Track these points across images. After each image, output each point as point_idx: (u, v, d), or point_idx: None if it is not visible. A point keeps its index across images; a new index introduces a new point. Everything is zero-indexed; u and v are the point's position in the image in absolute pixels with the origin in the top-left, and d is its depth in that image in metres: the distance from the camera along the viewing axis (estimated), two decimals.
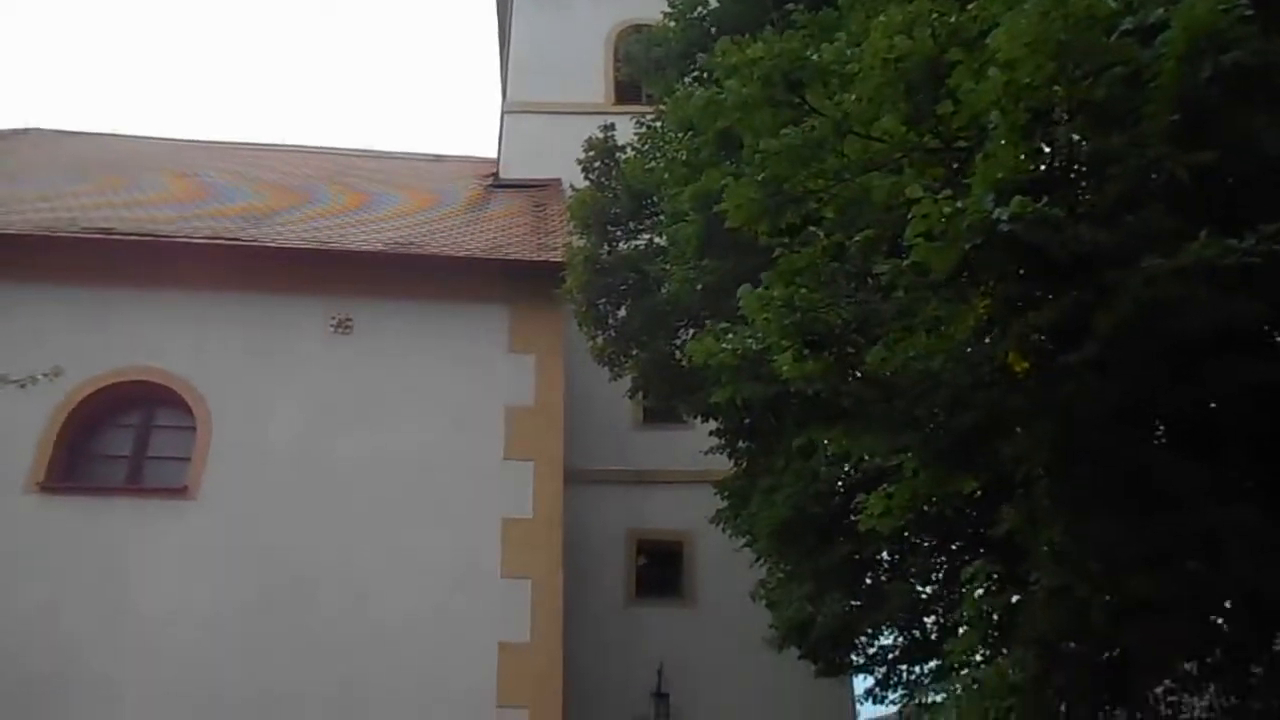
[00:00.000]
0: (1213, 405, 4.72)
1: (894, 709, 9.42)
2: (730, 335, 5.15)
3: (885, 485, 4.96)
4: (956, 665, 5.36)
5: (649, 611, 12.73)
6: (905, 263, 4.07)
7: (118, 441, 10.79)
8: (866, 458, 4.92)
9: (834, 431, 4.64)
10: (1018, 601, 5.08)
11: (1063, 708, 6.61)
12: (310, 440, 10.58)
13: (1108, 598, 4.60)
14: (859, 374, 4.49)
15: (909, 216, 3.86)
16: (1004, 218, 3.59)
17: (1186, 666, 8.78)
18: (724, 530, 9.48)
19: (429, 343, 11.28)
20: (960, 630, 5.80)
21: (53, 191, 13.06)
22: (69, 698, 9.17)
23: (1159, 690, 9.08)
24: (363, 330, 11.19)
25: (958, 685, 5.37)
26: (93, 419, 10.73)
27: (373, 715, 9.46)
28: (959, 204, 3.70)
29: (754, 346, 4.89)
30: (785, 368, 4.57)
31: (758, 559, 9.26)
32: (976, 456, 4.60)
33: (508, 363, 11.31)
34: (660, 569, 13.24)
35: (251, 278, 11.24)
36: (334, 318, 11.15)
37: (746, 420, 8.18)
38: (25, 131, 17.13)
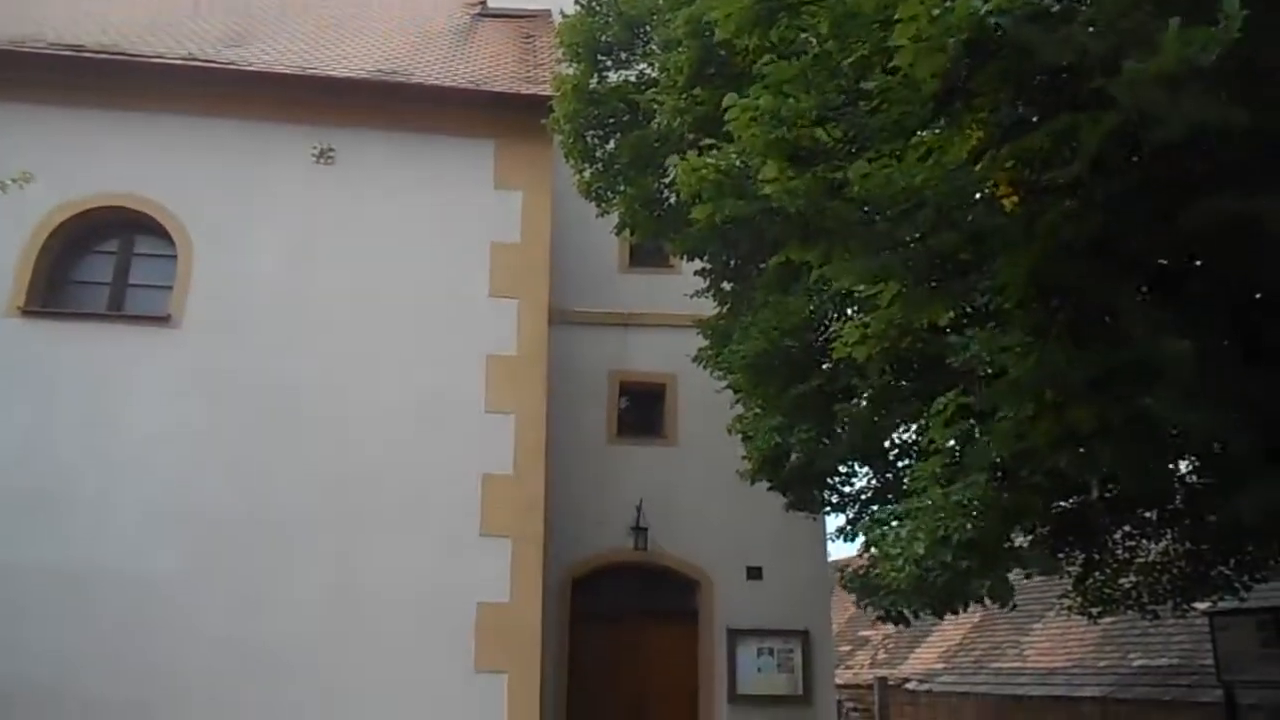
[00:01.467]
0: (1185, 252, 4.70)
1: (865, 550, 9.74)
2: (715, 152, 5.02)
3: (861, 314, 4.97)
4: (918, 492, 5.51)
5: (630, 450, 13.03)
6: (895, 77, 3.93)
7: (97, 268, 10.66)
8: (843, 290, 4.88)
9: (813, 252, 4.57)
10: (977, 430, 5.18)
11: (1019, 541, 6.86)
12: (293, 272, 10.50)
13: (1055, 424, 4.68)
14: (844, 194, 4.40)
15: (896, 19, 3.70)
16: (992, 10, 3.44)
17: (1147, 514, 9.14)
18: (706, 369, 9.58)
19: (413, 176, 11.05)
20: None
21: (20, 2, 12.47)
22: (62, 514, 9.39)
23: (1118, 535, 9.48)
24: (345, 161, 10.94)
25: (911, 507, 5.52)
26: (71, 244, 10.59)
27: (360, 538, 9.73)
28: (947, 2, 3.54)
29: (738, 163, 4.78)
30: (769, 184, 4.48)
31: (737, 398, 9.40)
32: (953, 284, 4.59)
33: (493, 199, 11.13)
34: (642, 410, 13.49)
35: (230, 103, 10.89)
36: (315, 147, 10.89)
37: (731, 261, 8.15)
38: None
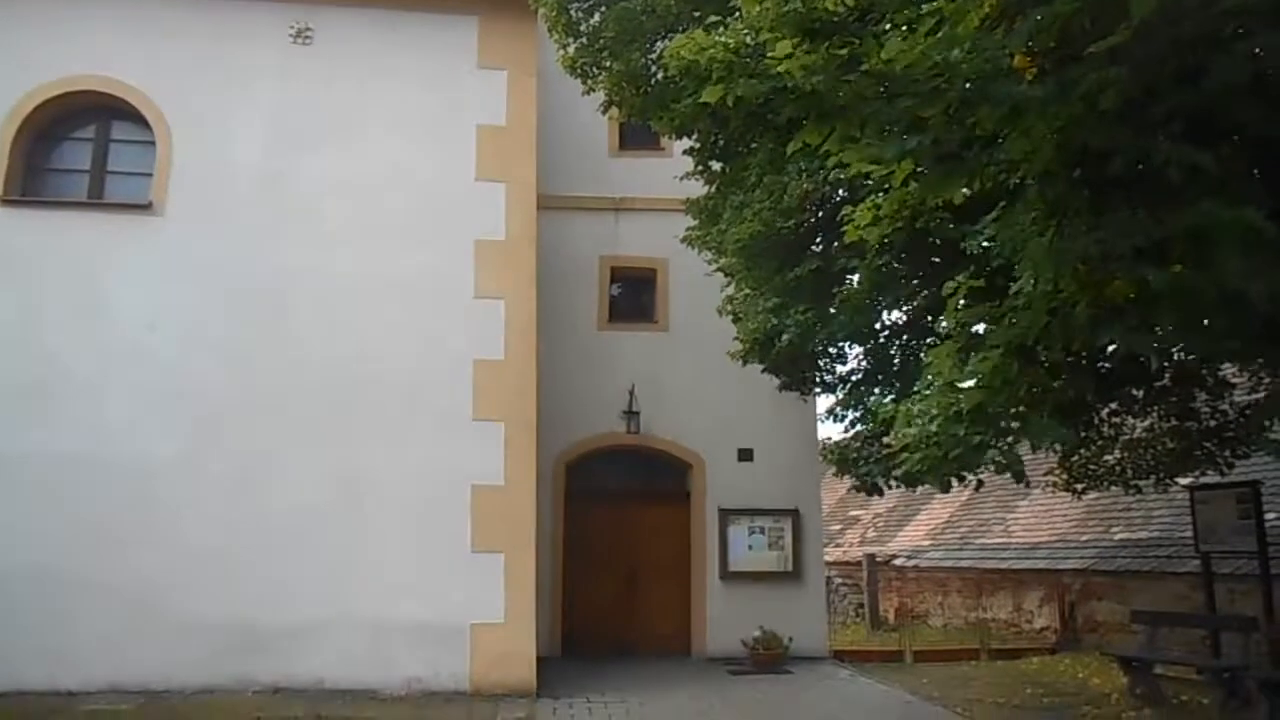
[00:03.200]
0: (1216, 106, 4.56)
1: (851, 428, 9.86)
2: (722, 30, 4.82)
3: (872, 196, 4.86)
4: (933, 376, 5.50)
5: (621, 335, 13.07)
6: None
7: (75, 155, 10.45)
8: (847, 170, 4.76)
9: (830, 133, 4.43)
10: (996, 312, 5.12)
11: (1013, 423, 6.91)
12: (275, 156, 10.31)
13: (1090, 299, 4.62)
14: (861, 69, 4.24)
15: None
16: None
17: (1135, 391, 9.24)
18: (695, 249, 9.50)
19: (394, 57, 10.73)
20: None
21: None
22: (55, 401, 9.46)
23: (1104, 412, 9.60)
24: (323, 40, 10.63)
25: (925, 388, 5.53)
26: (46, 131, 10.35)
27: (354, 422, 9.82)
28: None
29: (749, 40, 4.59)
30: (782, 62, 4.32)
31: (727, 279, 9.35)
32: (974, 161, 4.47)
33: (478, 78, 10.84)
34: (633, 295, 13.47)
35: None
36: (293, 26, 10.57)
37: (719, 140, 7.98)
38: None
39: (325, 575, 9.50)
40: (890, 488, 8.37)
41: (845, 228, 5.47)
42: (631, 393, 12.68)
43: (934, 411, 5.30)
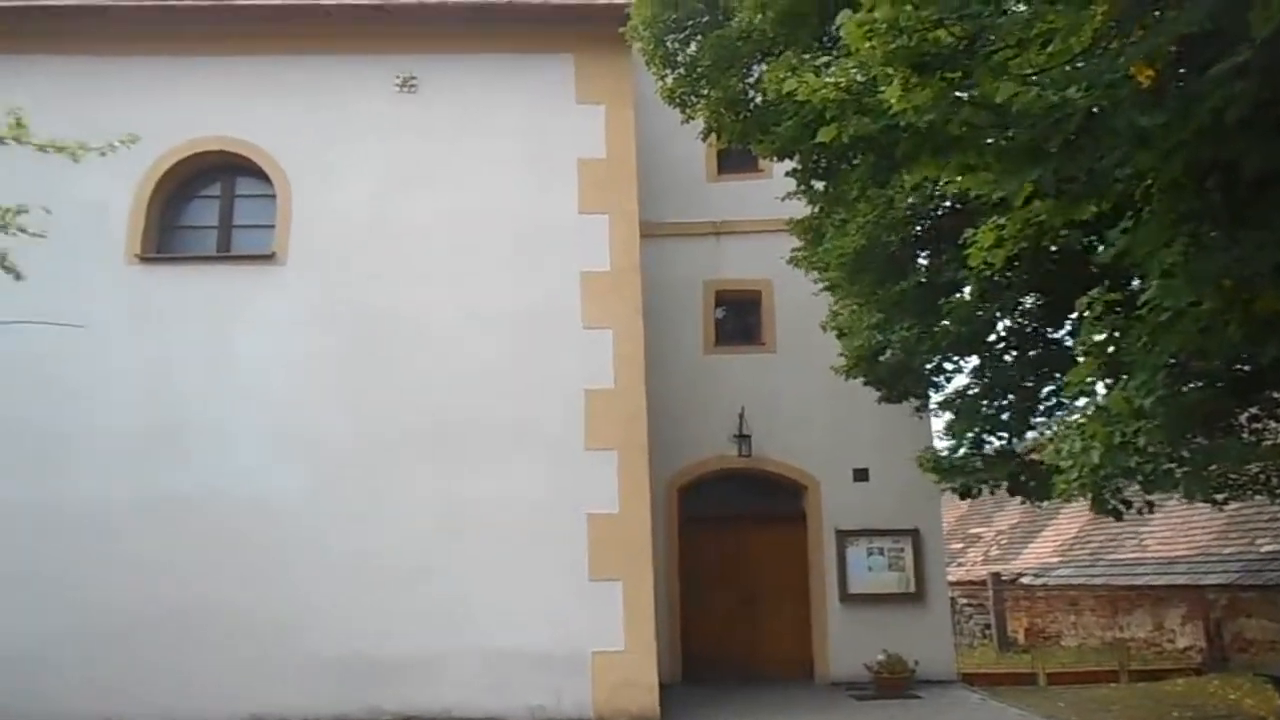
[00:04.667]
0: None
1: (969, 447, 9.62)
2: (832, 68, 4.81)
3: (993, 218, 4.74)
4: (1071, 397, 5.35)
5: (728, 359, 13.06)
6: None
7: (204, 211, 11.05)
8: (954, 186, 4.66)
9: (948, 166, 4.36)
10: (1133, 325, 4.94)
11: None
12: (384, 201, 10.68)
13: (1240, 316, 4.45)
14: (971, 98, 4.18)
15: None
16: None
17: (1276, 395, 8.73)
18: (801, 269, 9.44)
19: (494, 98, 11.03)
20: (1079, 360, 5.70)
21: None
22: (187, 444, 9.96)
23: (1244, 418, 9.11)
24: (427, 88, 11.00)
25: (1077, 415, 5.39)
26: (177, 191, 10.98)
27: (470, 456, 10.03)
28: None
29: (859, 78, 4.56)
30: (894, 98, 4.28)
31: (836, 299, 9.23)
32: (1100, 179, 4.35)
33: (577, 114, 11.03)
34: (738, 318, 13.45)
35: (313, 39, 11.01)
36: (398, 76, 10.96)
37: (821, 160, 7.93)
38: None
39: (447, 606, 9.69)
40: (993, 493, 8.12)
41: (966, 248, 5.35)
42: (741, 416, 12.64)
43: (1095, 445, 5.12)
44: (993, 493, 8.00)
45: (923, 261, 8.05)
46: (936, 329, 7.54)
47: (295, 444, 9.99)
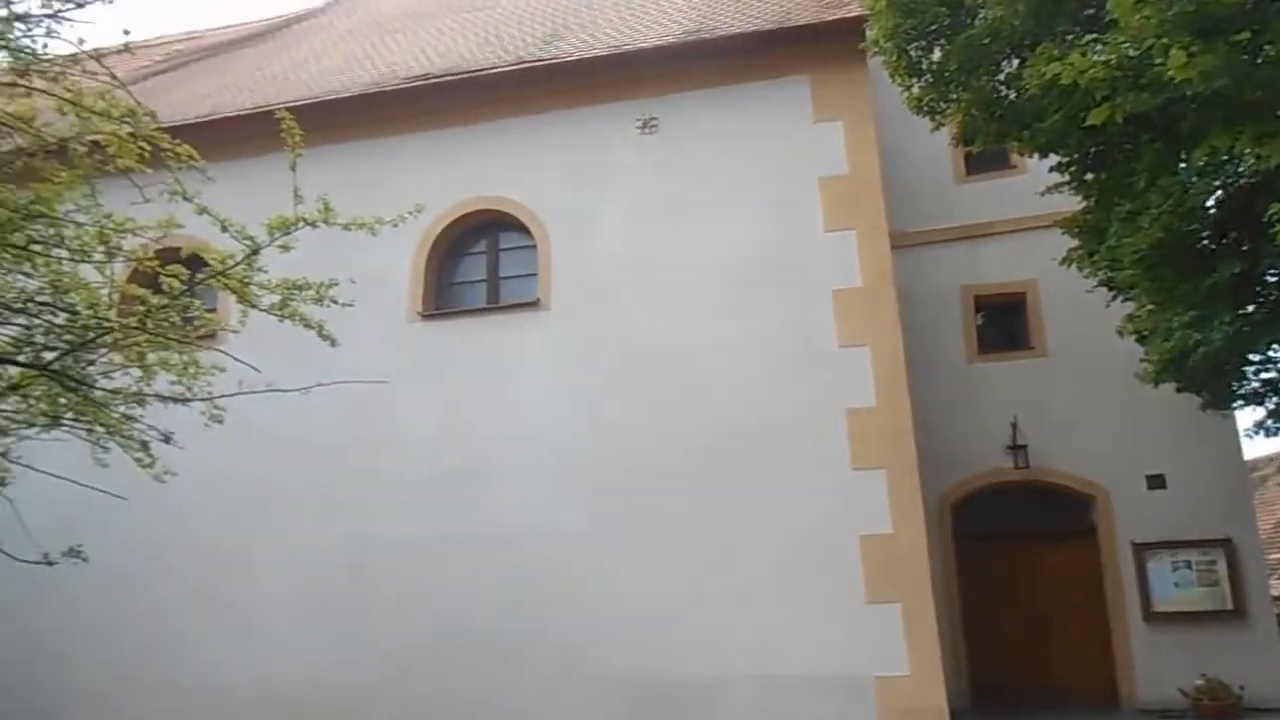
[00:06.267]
0: None
1: None
2: (1100, 46, 4.52)
3: None
4: None
5: (994, 366, 12.45)
6: None
7: (473, 267, 11.91)
8: (1260, 164, 4.21)
9: (1242, 136, 3.98)
10: None
11: None
12: (636, 239, 11.04)
13: None
14: (1267, 59, 3.80)
15: None
16: None
17: None
18: (1078, 270, 8.85)
19: (732, 127, 11.17)
20: None
21: (371, 49, 14.19)
22: (475, 485, 10.64)
23: None
24: (667, 126, 11.31)
25: None
26: (449, 251, 11.91)
27: (735, 481, 10.11)
28: None
29: (1131, 52, 4.26)
30: (1174, 68, 3.96)
31: (1114, 295, 8.58)
32: None
33: (815, 133, 10.97)
34: (1002, 323, 12.80)
35: (557, 96, 11.65)
36: (639, 119, 11.36)
37: (1092, 151, 7.41)
38: (338, 2, 18.55)
39: (722, 631, 9.76)
40: None
41: (1273, 227, 4.82)
42: (1014, 425, 11.99)
43: None
44: None
45: (1237, 249, 7.23)
46: (1257, 318, 6.72)
47: (572, 479, 10.48)
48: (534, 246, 11.42)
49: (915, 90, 8.23)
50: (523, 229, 11.53)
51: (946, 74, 7.92)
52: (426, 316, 11.44)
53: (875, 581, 9.64)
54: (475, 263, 11.93)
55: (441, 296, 11.78)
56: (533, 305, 11.19)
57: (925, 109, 8.26)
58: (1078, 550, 11.88)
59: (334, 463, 11.06)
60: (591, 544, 10.29)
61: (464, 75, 11.88)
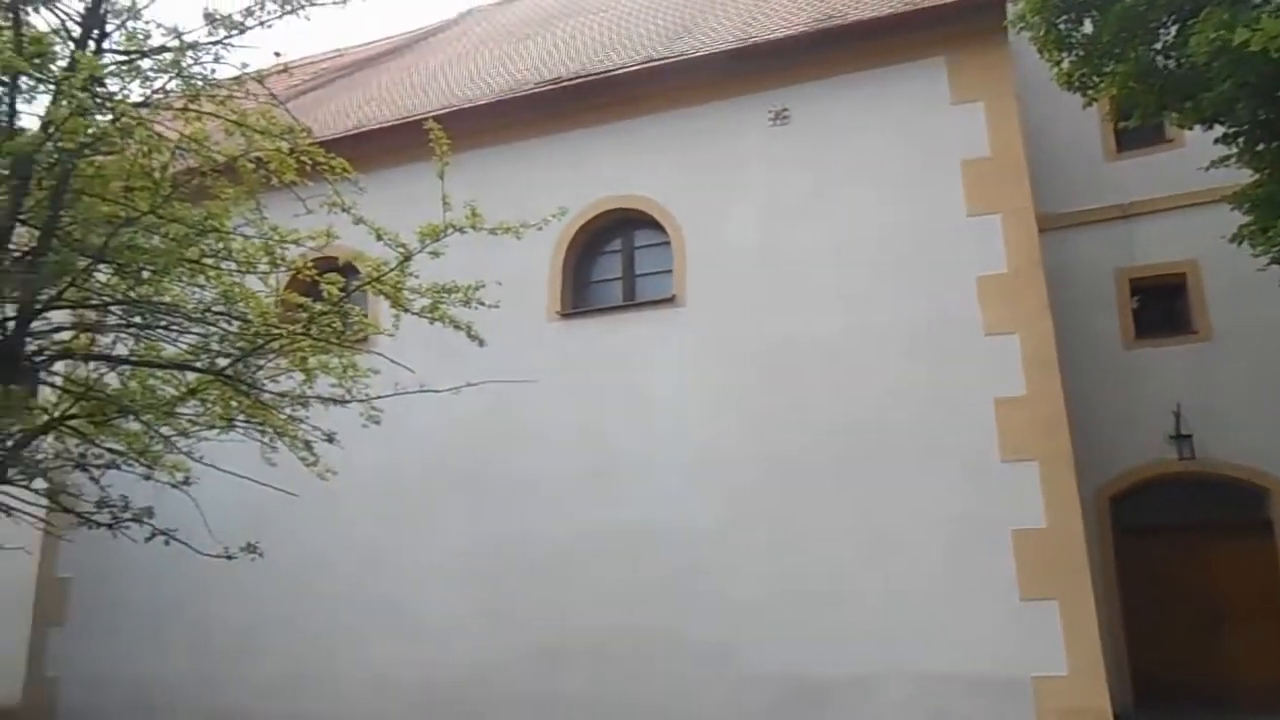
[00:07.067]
0: None
1: None
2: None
3: None
4: None
5: (1153, 352, 11.81)
6: None
7: (608, 266, 12.05)
8: None
9: None
10: None
11: None
12: (770, 233, 10.93)
13: None
14: None
15: None
16: None
17: None
18: (1250, 248, 8.30)
19: (865, 113, 10.93)
20: None
21: (503, 56, 14.55)
22: (614, 480, 10.82)
23: None
24: (799, 116, 11.17)
25: None
26: (585, 251, 12.08)
27: (879, 477, 9.93)
28: None
29: None
30: None
31: None
32: None
33: (953, 116, 10.62)
34: (1160, 306, 12.13)
35: (687, 91, 11.65)
36: (770, 110, 11.25)
37: (1267, 118, 6.92)
38: (470, 13, 19.11)
39: (871, 629, 9.60)
40: None
41: None
42: (1177, 414, 11.36)
43: None
44: None
45: None
46: None
47: (712, 474, 10.49)
48: (668, 243, 11.47)
49: (1065, 65, 7.87)
50: (656, 226, 11.59)
51: (1099, 46, 7.55)
52: (565, 315, 11.65)
53: (1030, 578, 9.30)
54: (611, 261, 12.06)
55: (579, 295, 11.97)
56: (668, 302, 11.24)
57: (1076, 84, 7.89)
58: (1251, 545, 11.16)
59: (479, 461, 11.42)
60: (733, 539, 10.27)
61: (593, 77, 12.03)
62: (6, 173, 6.41)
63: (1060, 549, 9.27)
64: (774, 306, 10.75)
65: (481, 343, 7.76)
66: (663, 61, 11.73)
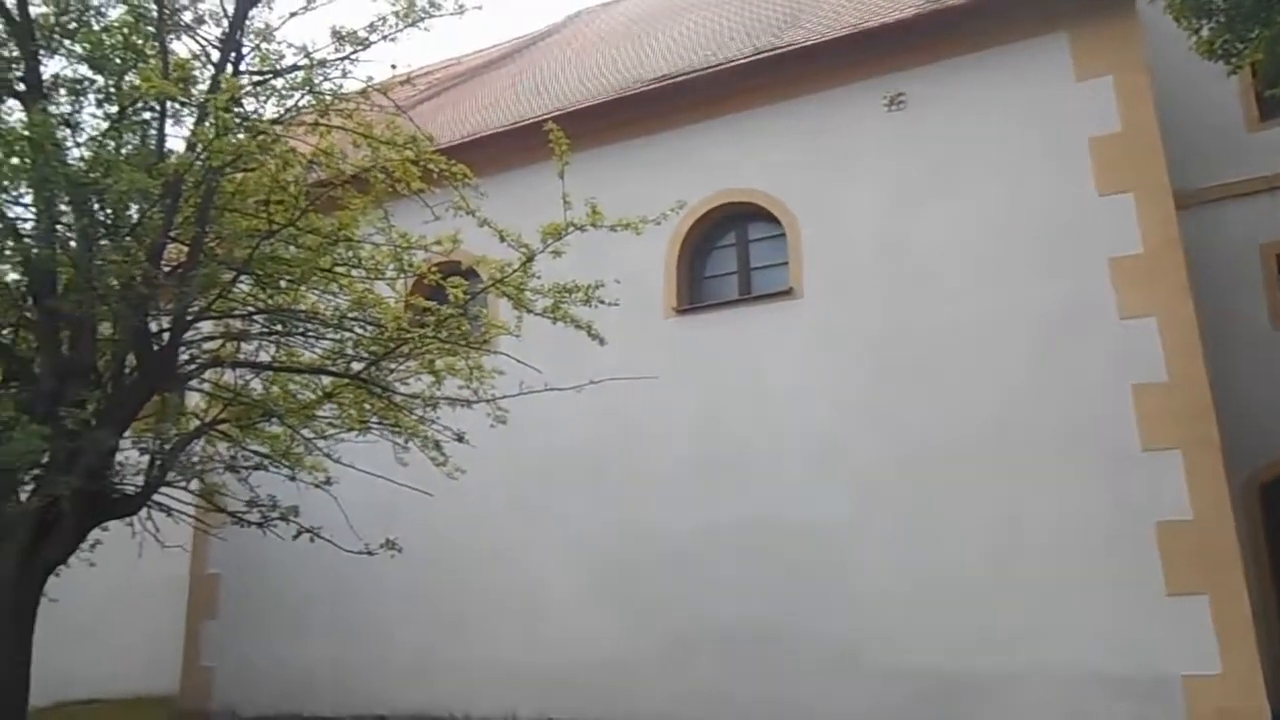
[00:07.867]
0: None
1: None
2: None
3: None
4: None
5: None
6: None
7: (723, 260, 12.03)
8: None
9: None
10: None
11: None
12: (889, 222, 10.72)
13: None
14: None
15: None
16: None
17: None
18: None
19: (985, 94, 10.59)
20: None
21: (615, 55, 14.69)
22: (739, 473, 10.80)
23: None
24: (915, 101, 10.91)
25: None
26: (699, 246, 12.09)
27: (1013, 468, 9.61)
28: None
29: None
30: None
31: None
32: None
33: (1079, 92, 10.19)
34: None
35: (799, 81, 11.52)
36: (884, 96, 11.02)
37: None
38: (578, 15, 19.37)
39: (1007, 625, 9.31)
40: None
41: None
42: None
43: None
44: None
45: None
46: None
47: (837, 467, 10.37)
48: (783, 235, 11.38)
49: (1205, 33, 7.47)
50: (771, 218, 11.52)
51: (1243, 10, 7.13)
52: (681, 311, 11.68)
53: (1177, 572, 8.89)
54: (725, 255, 12.04)
55: (694, 291, 11.99)
56: (785, 294, 11.15)
57: (1218, 52, 7.48)
58: None
59: (600, 456, 11.58)
60: (858, 533, 10.14)
61: (703, 71, 12.00)
62: (159, 193, 6.81)
63: (1209, 541, 8.82)
64: (895, 296, 10.54)
65: (602, 342, 7.86)
66: (773, 52, 11.62)
